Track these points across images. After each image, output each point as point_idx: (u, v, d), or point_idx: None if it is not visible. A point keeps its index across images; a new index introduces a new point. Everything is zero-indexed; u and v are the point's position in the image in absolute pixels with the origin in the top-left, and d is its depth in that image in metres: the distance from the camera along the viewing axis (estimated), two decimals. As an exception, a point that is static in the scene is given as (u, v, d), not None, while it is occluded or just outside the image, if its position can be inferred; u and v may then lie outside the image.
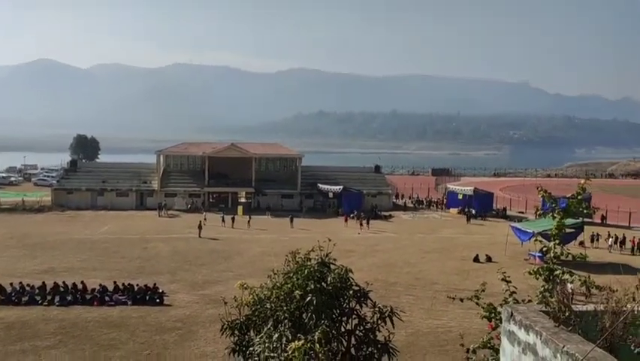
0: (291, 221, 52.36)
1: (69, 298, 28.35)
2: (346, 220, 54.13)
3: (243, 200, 66.16)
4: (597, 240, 45.30)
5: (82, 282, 29.97)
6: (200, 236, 45.81)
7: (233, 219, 51.93)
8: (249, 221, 51.36)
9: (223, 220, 51.86)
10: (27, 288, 29.09)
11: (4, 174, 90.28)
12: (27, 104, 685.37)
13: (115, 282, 30.07)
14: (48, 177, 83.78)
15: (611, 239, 44.90)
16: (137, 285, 29.84)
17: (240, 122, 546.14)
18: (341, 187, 62.93)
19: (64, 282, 29.81)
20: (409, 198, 72.46)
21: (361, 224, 51.93)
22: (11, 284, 29.39)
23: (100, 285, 29.67)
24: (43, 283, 29.59)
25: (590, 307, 4.02)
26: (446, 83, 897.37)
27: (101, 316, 26.49)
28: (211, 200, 64.93)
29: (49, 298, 28.32)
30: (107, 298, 28.51)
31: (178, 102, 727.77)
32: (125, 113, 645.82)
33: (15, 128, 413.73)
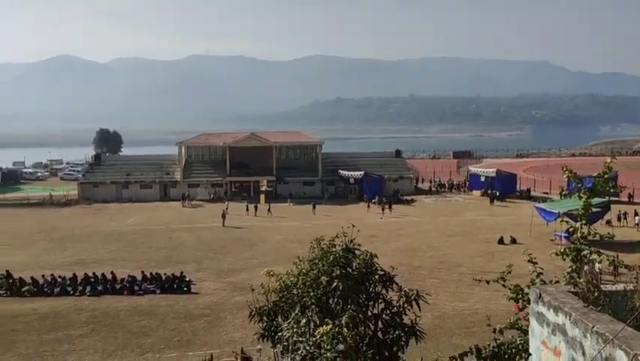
0: (314, 208, 52.54)
1: (99, 288, 29.09)
2: (369, 206, 54.10)
3: (264, 188, 66.59)
4: (625, 218, 44.54)
5: (111, 272, 30.65)
6: (224, 225, 46.31)
7: (256, 207, 52.38)
8: (269, 209, 51.71)
9: (247, 209, 52.33)
10: (58, 279, 29.89)
11: (31, 170, 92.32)
12: (49, 100, 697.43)
13: (143, 272, 30.67)
14: (74, 171, 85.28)
15: (637, 217, 44.10)
16: (165, 274, 30.43)
17: (258, 111, 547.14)
18: (362, 173, 62.78)
19: (94, 273, 30.53)
20: (430, 181, 71.79)
21: (383, 209, 51.85)
22: (43, 276, 30.22)
23: (129, 275, 30.33)
24: (74, 274, 30.34)
25: (620, 286, 4.00)
26: (464, 65, 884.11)
27: (131, 305, 27.11)
28: (233, 189, 65.49)
29: (80, 288, 29.09)
30: (136, 288, 29.17)
31: (196, 93, 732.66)
32: (144, 105, 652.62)
33: (38, 124, 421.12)
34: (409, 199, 60.29)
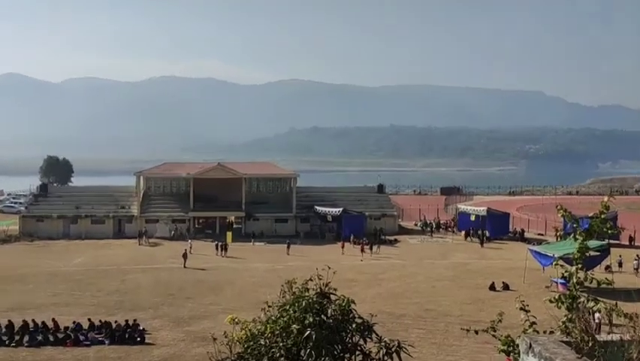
0: (288, 247, 52.33)
1: (39, 337, 28.20)
2: (343, 246, 53.67)
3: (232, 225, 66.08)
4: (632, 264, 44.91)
5: (53, 319, 29.79)
6: (185, 266, 45.69)
7: (222, 246, 51.89)
8: (225, 248, 51.29)
9: (217, 248, 51.77)
10: (-8, 327, 28.89)
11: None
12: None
13: (90, 319, 29.92)
14: (16, 203, 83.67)
15: (635, 261, 44.74)
16: (116, 322, 29.71)
17: (227, 140, 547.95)
18: (341, 209, 62.82)
19: (33, 320, 29.63)
20: (415, 224, 71.26)
21: (363, 250, 51.75)
22: (-25, 323, 29.20)
23: (74, 322, 29.54)
24: (10, 321, 29.41)
25: (616, 336, 4.06)
26: (452, 93, 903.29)
27: (76, 357, 26.30)
28: (197, 226, 64.84)
29: (17, 338, 28.17)
30: (81, 338, 28.36)
31: (159, 119, 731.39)
32: (101, 131, 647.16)
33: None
34: (392, 239, 60.46)
